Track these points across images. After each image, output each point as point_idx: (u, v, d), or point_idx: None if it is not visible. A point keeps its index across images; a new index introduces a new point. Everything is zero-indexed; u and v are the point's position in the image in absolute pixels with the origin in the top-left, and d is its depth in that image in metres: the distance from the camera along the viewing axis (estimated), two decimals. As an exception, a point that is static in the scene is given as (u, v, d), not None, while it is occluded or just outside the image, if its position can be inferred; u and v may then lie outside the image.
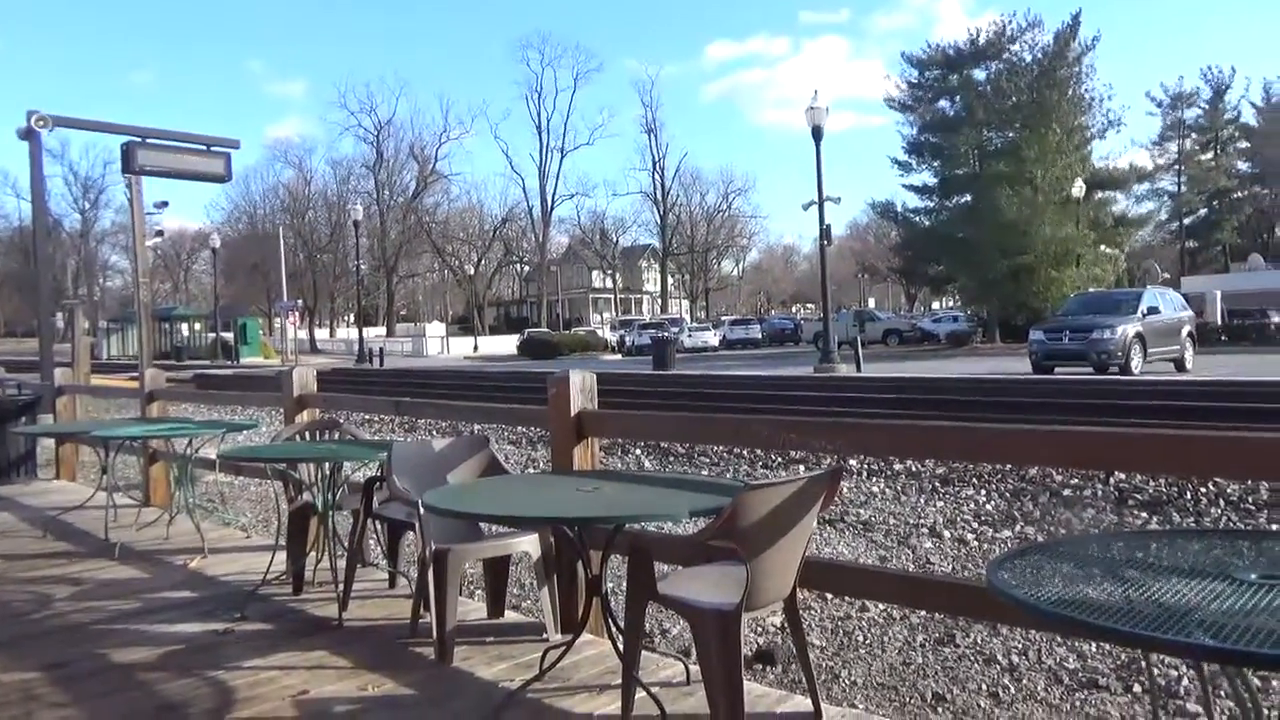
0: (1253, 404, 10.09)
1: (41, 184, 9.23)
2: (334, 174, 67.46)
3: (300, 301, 53.16)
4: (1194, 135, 60.47)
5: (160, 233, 46.49)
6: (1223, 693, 3.21)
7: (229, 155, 8.79)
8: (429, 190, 66.98)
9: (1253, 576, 1.65)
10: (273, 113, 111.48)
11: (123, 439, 6.35)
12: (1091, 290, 28.07)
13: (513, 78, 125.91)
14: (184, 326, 54.78)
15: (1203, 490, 7.03)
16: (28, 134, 8.68)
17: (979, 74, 39.11)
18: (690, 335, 43.86)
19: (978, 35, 38.96)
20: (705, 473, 9.06)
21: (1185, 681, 3.70)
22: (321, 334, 64.61)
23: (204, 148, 8.71)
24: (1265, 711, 1.56)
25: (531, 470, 9.13)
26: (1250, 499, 6.79)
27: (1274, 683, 3.05)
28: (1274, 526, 6.18)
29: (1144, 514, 6.76)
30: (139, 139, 8.28)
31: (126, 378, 15.09)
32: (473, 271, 68.57)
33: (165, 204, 37.18)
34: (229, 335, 49.17)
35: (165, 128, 8.61)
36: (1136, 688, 3.73)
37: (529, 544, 3.47)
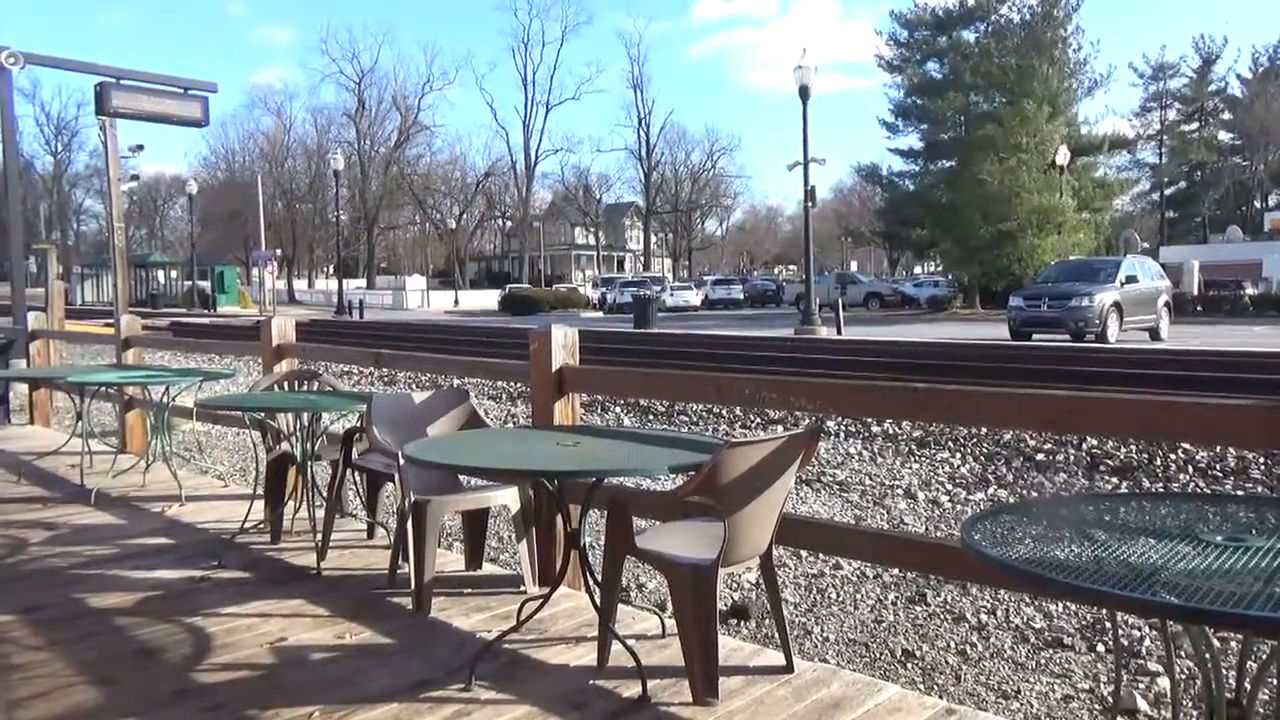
0: (1224, 373, 10.23)
1: (12, 123, 9.00)
2: (314, 122, 66.35)
3: (278, 251, 52.48)
4: (1177, 106, 60.53)
5: (135, 177, 45.61)
6: (1183, 653, 3.30)
7: (206, 99, 8.63)
8: (411, 141, 66.02)
9: (1218, 539, 1.68)
10: (257, 60, 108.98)
11: (99, 385, 6.31)
12: (1072, 258, 28.20)
13: (499, 28, 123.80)
14: (160, 274, 53.98)
15: (1172, 457, 7.16)
16: (-3, 71, 8.44)
17: (968, 36, 38.83)
18: (672, 294, 43.72)
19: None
20: (685, 431, 9.11)
21: (1148, 642, 3.80)
22: (300, 285, 63.93)
23: (180, 90, 8.55)
24: (1224, 671, 1.61)
25: (511, 425, 9.15)
26: (1218, 466, 6.92)
27: (1233, 644, 3.14)
28: (1239, 492, 6.31)
29: (1114, 479, 6.88)
30: (113, 80, 8.10)
31: (102, 324, 14.92)
32: (454, 225, 67.83)
33: (141, 148, 36.46)
34: (206, 284, 48.55)
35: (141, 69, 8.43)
36: (1100, 647, 3.83)
37: (508, 497, 3.49)
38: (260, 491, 4.40)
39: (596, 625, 2.83)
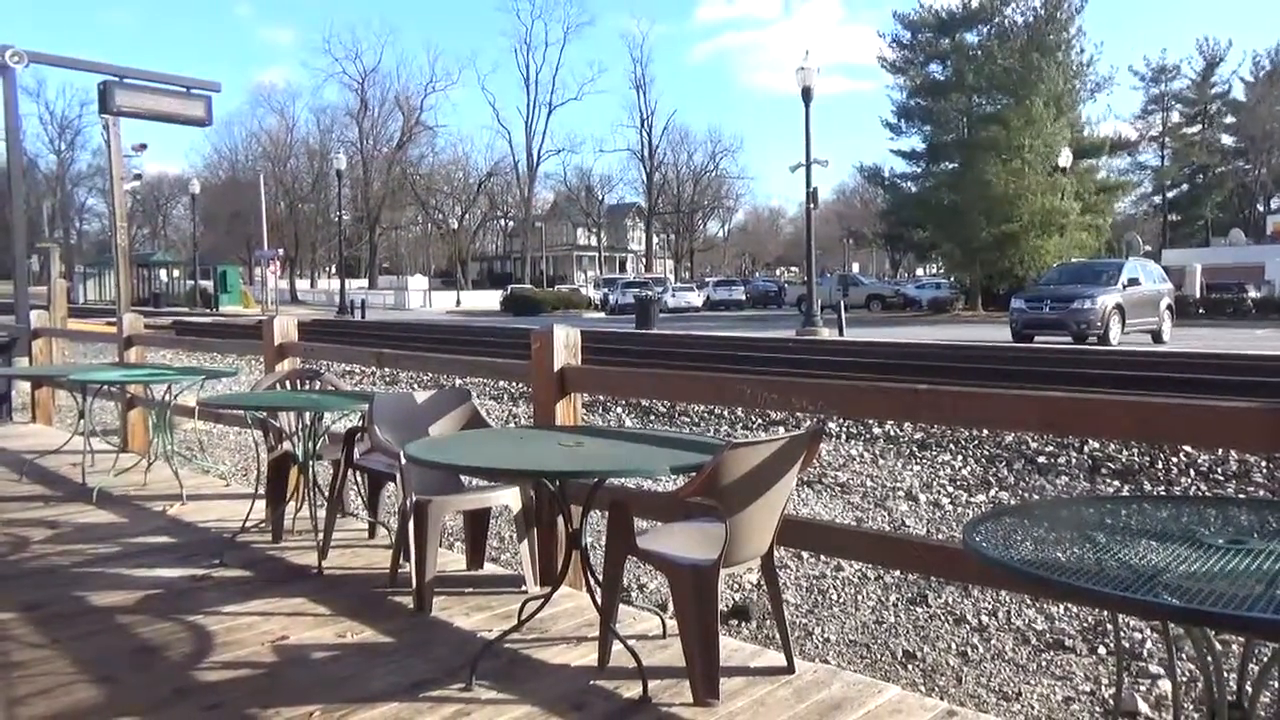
0: (1226, 376, 10.22)
1: (16, 122, 9.01)
2: (317, 122, 66.38)
3: (281, 251, 52.47)
4: (1180, 108, 60.49)
5: (138, 176, 45.51)
6: (1185, 655, 3.30)
7: (210, 99, 8.64)
8: (414, 141, 66.02)
9: (1220, 541, 1.68)
10: (261, 60, 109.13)
11: (101, 384, 6.31)
12: (1074, 260, 28.20)
13: (501, 28, 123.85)
14: (162, 273, 54.07)
15: (1174, 460, 7.15)
16: (1, 70, 8.45)
17: (971, 37, 38.83)
18: (674, 295, 43.72)
19: (971, -2, 38.62)
20: (686, 431, 9.10)
21: (1149, 644, 3.80)
22: (302, 284, 63.93)
23: (184, 90, 8.56)
24: (1226, 673, 1.60)
25: (513, 425, 9.14)
26: (1220, 469, 6.91)
27: (1234, 646, 3.13)
28: (1241, 495, 6.31)
29: (1116, 482, 6.87)
30: (117, 78, 8.11)
31: (104, 322, 14.93)
32: (456, 225, 67.91)
33: (144, 147, 36.39)
34: (208, 283, 48.60)
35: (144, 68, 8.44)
36: (1101, 649, 3.83)
37: (509, 497, 3.49)
38: (262, 491, 4.40)
39: (597, 625, 2.83)
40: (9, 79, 8.55)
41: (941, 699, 3.09)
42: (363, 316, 36.12)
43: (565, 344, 3.65)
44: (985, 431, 7.94)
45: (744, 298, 47.29)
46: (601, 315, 40.39)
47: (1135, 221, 57.91)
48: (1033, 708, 3.42)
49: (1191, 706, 3.26)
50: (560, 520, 3.28)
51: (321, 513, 3.96)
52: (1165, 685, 3.42)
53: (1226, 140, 60.70)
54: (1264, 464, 6.88)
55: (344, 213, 52.22)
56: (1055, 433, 7.00)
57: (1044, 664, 3.77)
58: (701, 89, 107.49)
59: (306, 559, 3.90)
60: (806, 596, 4.59)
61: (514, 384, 11.09)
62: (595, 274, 64.45)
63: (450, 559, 3.89)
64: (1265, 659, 1.74)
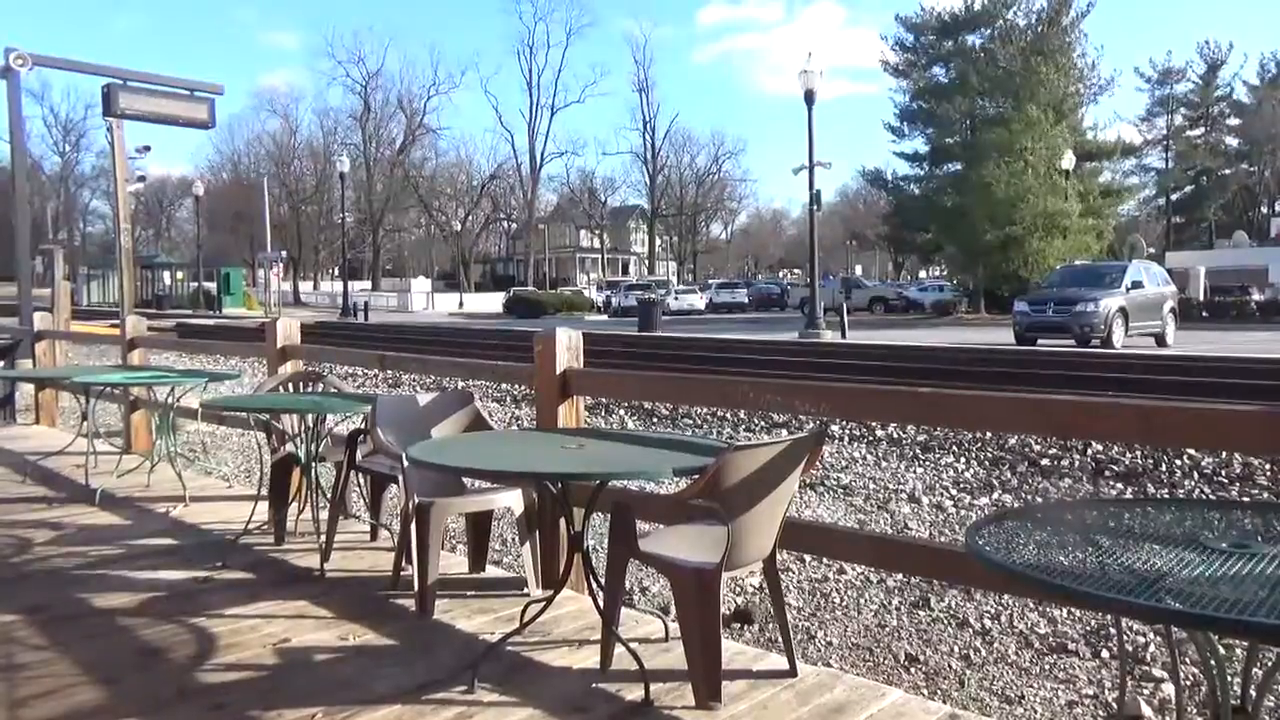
0: (1229, 379, 10.19)
1: (20, 124, 9.04)
2: (320, 125, 66.58)
3: (284, 253, 52.54)
4: (1183, 111, 60.44)
5: (142, 178, 45.63)
6: (1188, 659, 3.29)
7: (213, 101, 8.65)
8: (417, 144, 66.25)
9: (1223, 545, 1.68)
10: (264, 64, 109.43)
11: (104, 385, 6.32)
12: (1077, 263, 28.15)
13: (503, 31, 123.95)
14: (166, 275, 54.17)
15: (1177, 463, 7.14)
16: (5, 72, 8.48)
17: (974, 40, 38.86)
18: (676, 298, 43.73)
19: (973, 0, 38.64)
20: (689, 434, 9.10)
21: (1152, 648, 3.79)
22: (305, 287, 64.07)
23: (187, 92, 8.57)
24: (1230, 677, 1.60)
25: (515, 428, 9.14)
26: (1223, 472, 6.90)
27: (1238, 650, 3.13)
28: (1245, 499, 6.29)
29: (1119, 485, 6.86)
30: (120, 81, 8.13)
31: (107, 324, 14.96)
32: (459, 228, 68.02)
33: (148, 149, 36.48)
34: (211, 285, 48.68)
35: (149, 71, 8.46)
36: (1105, 653, 3.81)
37: (512, 499, 3.49)
38: (264, 493, 4.40)
39: (600, 628, 2.83)
40: (13, 82, 8.58)
41: (944, 702, 3.08)
42: (365, 319, 36.15)
43: (568, 346, 3.65)
44: (988, 434, 7.93)
45: (746, 300, 47.27)
46: (604, 317, 40.39)
47: (1139, 224, 57.81)
48: (1036, 711, 3.41)
49: (1195, 711, 3.25)
50: (562, 523, 3.28)
51: (324, 515, 3.96)
52: (1169, 689, 3.41)
53: (1230, 143, 60.64)
54: (1268, 467, 6.86)
55: (347, 215, 52.33)
56: (1059, 435, 6.99)
57: (1047, 667, 3.77)
58: (704, 91, 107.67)
59: (309, 561, 3.90)
60: (809, 599, 4.58)
61: (516, 386, 11.09)
62: (598, 276, 64.51)
63: (452, 561, 3.89)
64: (1269, 663, 1.74)
